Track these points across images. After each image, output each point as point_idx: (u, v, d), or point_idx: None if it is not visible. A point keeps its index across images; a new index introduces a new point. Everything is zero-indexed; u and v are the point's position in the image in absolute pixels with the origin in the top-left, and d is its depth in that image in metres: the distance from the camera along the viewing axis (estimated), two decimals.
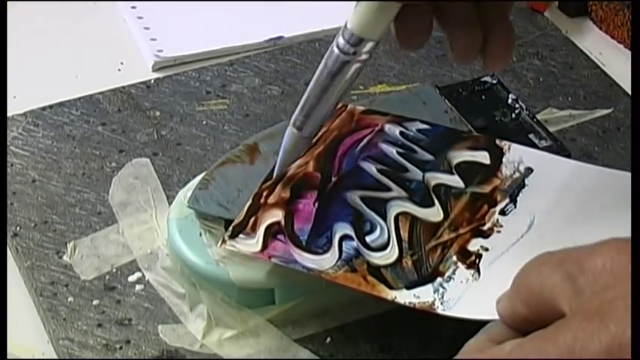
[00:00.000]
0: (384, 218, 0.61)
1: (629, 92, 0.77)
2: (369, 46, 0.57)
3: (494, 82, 0.75)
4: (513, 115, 0.72)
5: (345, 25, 0.57)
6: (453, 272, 0.58)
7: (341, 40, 0.58)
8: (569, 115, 0.76)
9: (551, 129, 0.72)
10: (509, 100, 0.73)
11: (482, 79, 0.75)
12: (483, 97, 0.74)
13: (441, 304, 0.56)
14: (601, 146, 0.74)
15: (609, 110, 0.77)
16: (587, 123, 0.76)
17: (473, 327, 0.52)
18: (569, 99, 0.78)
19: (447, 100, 0.72)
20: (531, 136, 0.70)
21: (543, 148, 0.69)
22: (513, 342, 0.48)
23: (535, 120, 0.71)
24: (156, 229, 0.67)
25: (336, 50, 0.58)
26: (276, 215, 0.61)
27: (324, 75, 0.59)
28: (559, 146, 0.70)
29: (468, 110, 0.72)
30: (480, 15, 0.57)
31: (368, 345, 0.62)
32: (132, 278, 0.65)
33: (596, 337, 0.43)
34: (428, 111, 0.70)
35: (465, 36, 0.57)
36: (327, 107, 0.60)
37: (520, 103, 0.73)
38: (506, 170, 0.63)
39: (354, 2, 0.57)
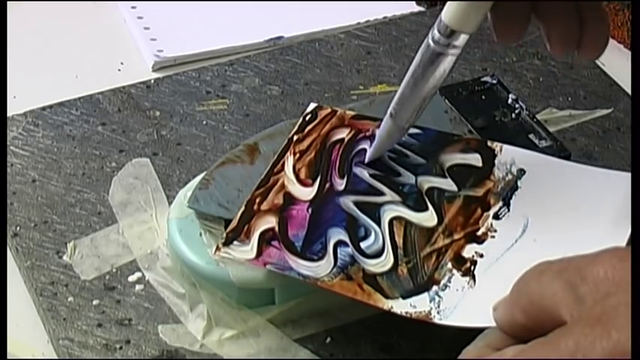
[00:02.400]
0: (379, 223, 0.61)
1: (629, 92, 0.77)
2: (462, 38, 0.58)
3: (494, 82, 0.75)
4: (513, 115, 0.72)
5: (440, 18, 0.58)
6: (449, 280, 0.58)
7: (435, 33, 0.58)
8: (569, 115, 0.76)
9: (551, 129, 0.72)
10: (509, 100, 0.73)
11: (483, 79, 0.75)
12: (483, 97, 0.74)
13: (438, 313, 0.56)
14: (601, 146, 0.74)
15: (609, 110, 0.77)
16: (587, 123, 0.76)
17: (475, 328, 0.52)
18: (569, 99, 0.78)
19: (447, 100, 0.72)
20: (531, 136, 0.70)
21: (543, 148, 0.69)
22: (514, 348, 0.48)
23: (535, 120, 0.71)
24: (156, 229, 0.67)
25: (430, 42, 0.59)
26: (270, 222, 0.61)
27: (418, 66, 0.60)
28: (559, 146, 0.70)
29: (468, 110, 0.72)
30: (576, 5, 0.57)
31: (368, 345, 0.62)
32: (132, 278, 0.65)
33: (599, 344, 0.43)
34: (428, 111, 0.70)
35: (562, 28, 0.57)
36: (420, 98, 0.61)
37: (520, 103, 0.73)
38: (498, 172, 0.63)
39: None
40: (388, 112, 0.62)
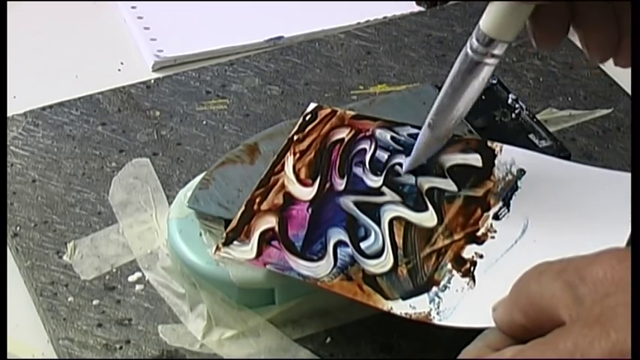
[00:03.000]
0: (378, 223, 0.61)
1: (629, 92, 0.77)
2: (501, 47, 0.57)
3: (494, 82, 0.75)
4: (513, 115, 0.72)
5: (478, 27, 0.57)
6: (448, 281, 0.58)
7: (474, 42, 0.57)
8: (569, 115, 0.76)
9: (551, 129, 0.72)
10: (509, 100, 0.73)
11: None
12: (483, 97, 0.73)
13: (437, 314, 0.56)
14: (601, 146, 0.74)
15: (609, 110, 0.77)
16: (587, 123, 0.76)
17: (475, 328, 0.52)
18: (569, 99, 0.78)
19: None
20: (531, 136, 0.70)
21: (543, 148, 0.69)
22: (513, 348, 0.48)
23: (535, 120, 0.71)
24: (156, 229, 0.67)
25: (469, 51, 0.58)
26: (270, 221, 0.61)
27: (457, 76, 0.59)
28: (559, 146, 0.70)
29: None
30: (613, 12, 0.57)
31: (368, 345, 0.62)
32: (132, 278, 0.65)
33: (597, 344, 0.43)
34: (428, 111, 0.70)
35: (601, 35, 0.57)
36: (459, 108, 0.60)
37: (520, 103, 0.73)
38: (498, 172, 0.63)
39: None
40: (426, 122, 0.61)
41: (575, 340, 0.44)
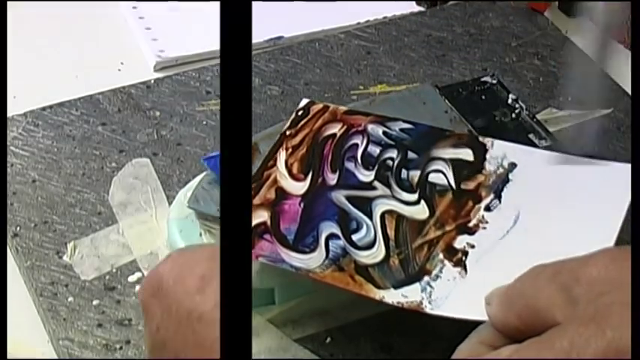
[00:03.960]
0: (370, 217, 0.61)
1: (629, 92, 0.77)
2: None
3: (494, 82, 0.75)
4: (513, 115, 0.72)
5: None
6: (440, 270, 0.58)
7: None
8: (569, 115, 0.76)
9: (551, 129, 0.72)
10: (509, 100, 0.73)
11: (482, 79, 0.75)
12: (483, 97, 0.74)
13: (429, 302, 0.56)
14: (601, 146, 0.74)
15: (609, 110, 0.77)
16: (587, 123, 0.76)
17: (473, 327, 0.52)
18: (569, 99, 0.78)
19: (446, 100, 0.72)
20: (531, 136, 0.70)
21: (543, 149, 0.69)
22: (510, 348, 0.48)
23: (535, 120, 0.71)
24: (156, 229, 0.67)
25: None
26: (262, 216, 0.61)
27: None
28: (559, 146, 0.70)
29: (468, 110, 0.72)
30: None
31: (368, 345, 0.62)
32: (132, 278, 0.65)
33: (593, 342, 0.43)
34: (428, 111, 0.70)
35: None
36: None
37: (520, 103, 0.73)
38: (490, 166, 0.63)
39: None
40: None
41: (571, 338, 0.44)
